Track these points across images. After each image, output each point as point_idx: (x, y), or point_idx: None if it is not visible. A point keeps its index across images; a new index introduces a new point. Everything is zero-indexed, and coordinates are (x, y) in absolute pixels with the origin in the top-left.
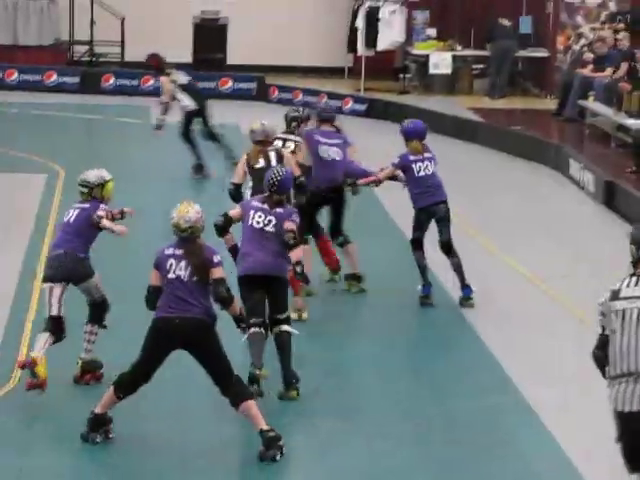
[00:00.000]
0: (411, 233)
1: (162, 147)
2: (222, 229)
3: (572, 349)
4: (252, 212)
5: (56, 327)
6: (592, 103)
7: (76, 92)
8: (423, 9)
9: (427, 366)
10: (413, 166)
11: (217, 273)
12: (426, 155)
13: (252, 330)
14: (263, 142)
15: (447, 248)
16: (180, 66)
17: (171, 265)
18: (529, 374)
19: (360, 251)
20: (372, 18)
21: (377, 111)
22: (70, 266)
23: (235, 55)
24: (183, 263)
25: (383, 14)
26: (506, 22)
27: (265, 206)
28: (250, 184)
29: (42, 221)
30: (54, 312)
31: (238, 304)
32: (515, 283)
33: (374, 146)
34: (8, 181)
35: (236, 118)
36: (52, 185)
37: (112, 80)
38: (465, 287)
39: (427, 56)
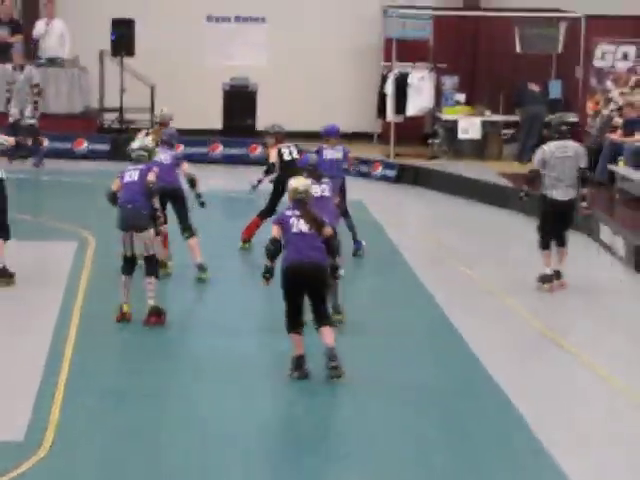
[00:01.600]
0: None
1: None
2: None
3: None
4: None
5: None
6: (622, 168)
7: (107, 159)
8: (452, 74)
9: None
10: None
11: (327, 231)
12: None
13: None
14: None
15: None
16: (210, 132)
17: (293, 222)
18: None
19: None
20: (401, 84)
21: (407, 176)
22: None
23: (265, 121)
24: (302, 220)
25: (412, 80)
26: (535, 87)
27: None
28: None
29: (71, 290)
30: None
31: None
32: (545, 348)
33: (406, 211)
34: (38, 249)
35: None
36: (82, 253)
37: None
38: (356, 242)
39: (456, 121)
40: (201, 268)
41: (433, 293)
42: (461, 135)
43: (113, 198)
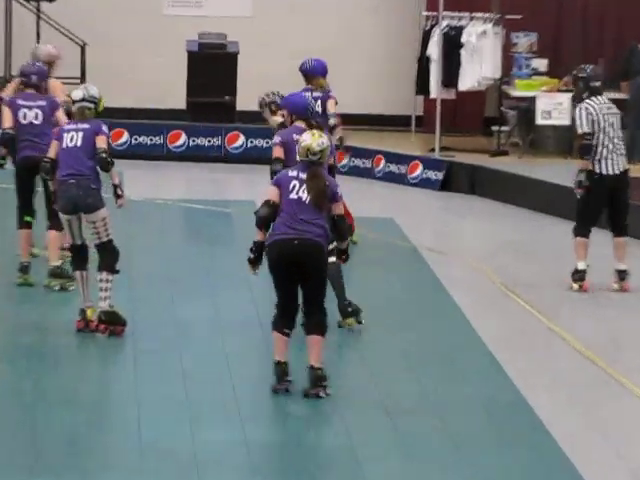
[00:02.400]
0: None
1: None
2: None
3: None
4: None
5: None
6: None
7: None
8: (527, 31)
9: None
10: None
11: (338, 208)
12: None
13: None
14: None
15: None
16: (168, 114)
17: (294, 186)
18: None
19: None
20: (452, 44)
21: (459, 181)
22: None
23: (249, 98)
24: (305, 187)
25: (468, 38)
26: None
27: None
28: None
29: None
30: None
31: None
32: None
33: (456, 232)
34: None
35: None
36: None
37: None
38: None
39: (533, 100)
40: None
41: (496, 353)
42: (541, 121)
43: (51, 169)
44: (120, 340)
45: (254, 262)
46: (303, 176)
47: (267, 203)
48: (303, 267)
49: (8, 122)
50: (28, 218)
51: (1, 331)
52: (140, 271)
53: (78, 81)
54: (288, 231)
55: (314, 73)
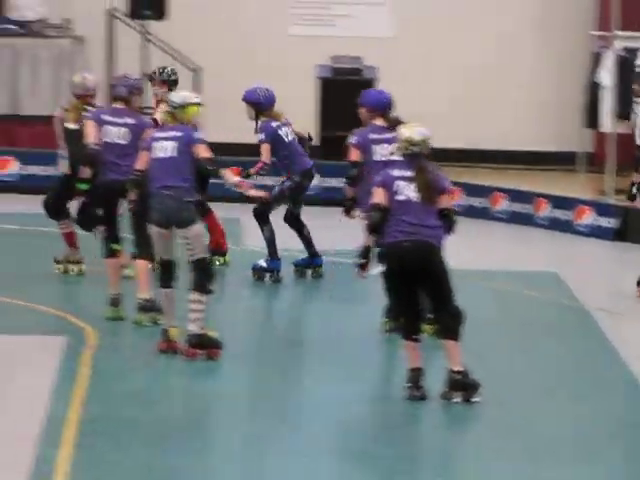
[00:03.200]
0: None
1: None
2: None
3: None
4: None
5: None
6: None
7: None
8: None
9: None
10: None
11: (446, 201)
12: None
13: None
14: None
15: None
16: None
17: (400, 186)
18: None
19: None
20: (627, 68)
21: (637, 230)
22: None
23: None
24: (413, 185)
25: None
26: None
27: None
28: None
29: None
30: None
31: None
32: None
33: (631, 291)
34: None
35: None
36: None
37: None
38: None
39: None
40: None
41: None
42: None
43: (141, 182)
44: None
45: (365, 266)
46: (408, 174)
47: (377, 207)
48: (418, 271)
49: (93, 137)
50: (116, 246)
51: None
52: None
53: None
54: (398, 235)
55: (272, 103)
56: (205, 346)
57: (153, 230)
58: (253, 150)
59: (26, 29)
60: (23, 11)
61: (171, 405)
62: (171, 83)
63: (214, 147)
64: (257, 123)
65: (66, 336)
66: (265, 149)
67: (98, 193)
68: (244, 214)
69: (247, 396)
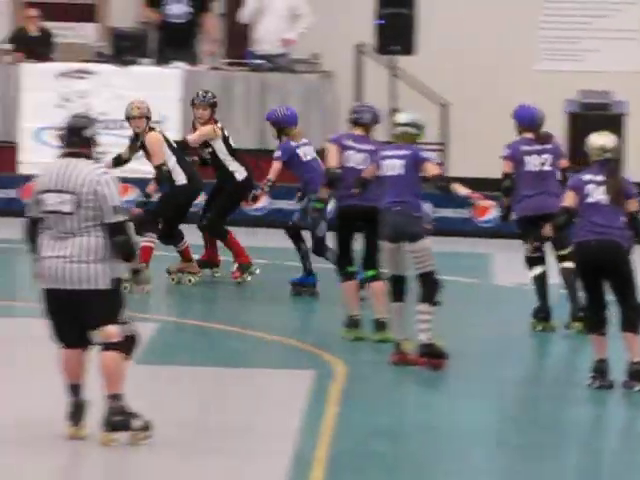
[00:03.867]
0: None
1: None
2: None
3: None
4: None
5: None
6: None
7: None
8: None
9: None
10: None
11: (633, 205)
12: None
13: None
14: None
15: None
16: None
17: (590, 190)
18: None
19: None
20: None
21: None
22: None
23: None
24: (603, 188)
25: None
26: None
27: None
28: None
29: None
30: None
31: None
32: None
33: None
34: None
35: None
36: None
37: None
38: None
39: None
40: (379, 326)
41: None
42: None
43: (339, 179)
44: None
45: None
46: (599, 178)
47: (565, 210)
48: (605, 268)
49: (334, 161)
50: (351, 269)
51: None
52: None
53: (439, 146)
54: (588, 235)
55: (292, 123)
56: (434, 355)
57: (385, 246)
58: (498, 184)
59: (274, 63)
60: (264, 44)
61: (421, 440)
62: (213, 105)
63: (461, 181)
64: (280, 142)
65: (313, 369)
66: (275, 166)
67: (340, 217)
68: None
69: (497, 430)
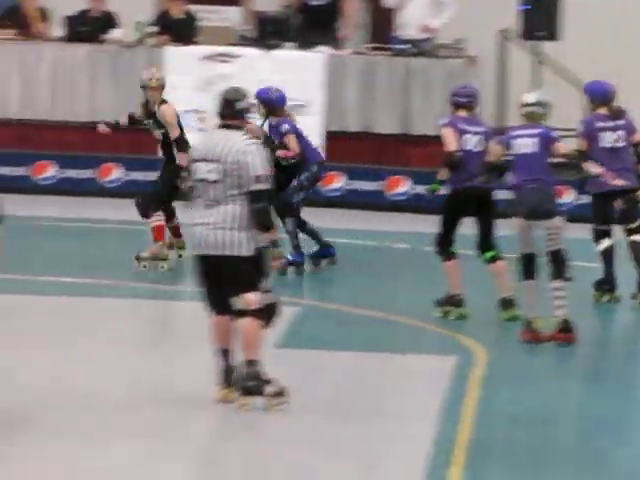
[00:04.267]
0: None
1: None
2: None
3: None
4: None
5: None
6: None
7: None
8: None
9: None
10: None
11: None
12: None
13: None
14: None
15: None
16: None
17: None
18: None
19: None
20: None
21: None
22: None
23: None
24: None
25: None
26: None
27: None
28: None
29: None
30: None
31: None
32: None
33: None
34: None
35: None
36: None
37: None
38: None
39: None
40: (507, 304)
41: None
42: None
43: (459, 162)
44: None
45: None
46: None
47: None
48: None
49: (454, 144)
50: (452, 249)
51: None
52: None
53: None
54: None
55: (283, 103)
56: (570, 330)
57: (519, 223)
58: None
59: (419, 48)
60: (408, 29)
61: (561, 427)
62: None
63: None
64: (265, 121)
65: (455, 355)
66: (292, 139)
67: (457, 199)
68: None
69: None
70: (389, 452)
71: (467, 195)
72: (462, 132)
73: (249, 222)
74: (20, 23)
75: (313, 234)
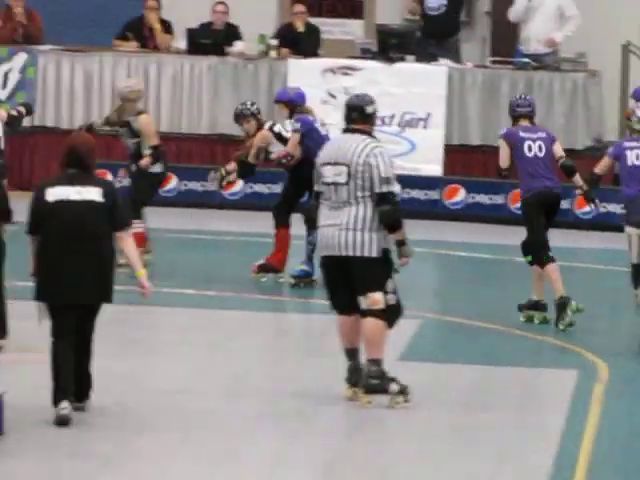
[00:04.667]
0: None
1: None
2: None
3: None
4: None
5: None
6: None
7: None
8: None
9: None
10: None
11: None
12: None
13: None
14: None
15: None
16: None
17: None
18: None
19: None
20: None
21: None
22: None
23: None
24: None
25: None
26: None
27: None
28: None
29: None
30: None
31: None
32: None
33: None
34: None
35: None
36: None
37: None
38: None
39: None
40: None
41: None
42: None
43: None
44: None
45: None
46: None
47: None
48: None
49: (505, 160)
50: (551, 254)
51: None
52: None
53: None
54: None
55: (304, 100)
56: None
57: (631, 232)
58: None
59: (541, 62)
60: (532, 43)
61: None
62: (257, 113)
63: None
64: (275, 124)
65: (575, 369)
66: (294, 139)
67: (530, 203)
68: None
69: None
70: (510, 466)
71: (539, 197)
72: (523, 140)
73: (377, 223)
74: (142, 36)
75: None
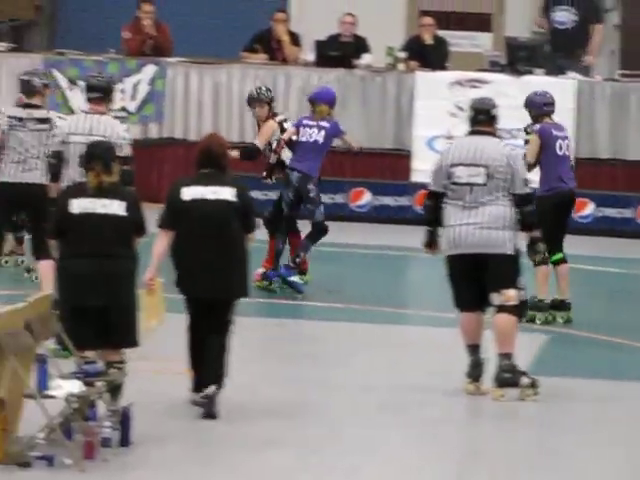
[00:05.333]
0: None
1: None
2: None
3: None
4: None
5: None
6: None
7: None
8: None
9: None
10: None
11: None
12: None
13: None
14: None
15: None
16: None
17: None
18: None
19: None
20: None
21: None
22: None
23: None
24: None
25: None
26: None
27: None
28: None
29: None
30: None
31: None
32: None
33: None
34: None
35: None
36: None
37: None
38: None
39: None
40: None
41: None
42: None
43: None
44: None
45: None
46: None
47: None
48: None
49: (533, 156)
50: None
51: None
52: None
53: None
54: None
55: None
56: None
57: None
58: None
59: None
60: None
61: None
62: (272, 100)
63: None
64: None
65: None
66: (290, 130)
67: (549, 201)
68: None
69: None
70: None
71: (558, 196)
72: (556, 139)
73: (513, 222)
74: (271, 48)
75: (280, 254)
